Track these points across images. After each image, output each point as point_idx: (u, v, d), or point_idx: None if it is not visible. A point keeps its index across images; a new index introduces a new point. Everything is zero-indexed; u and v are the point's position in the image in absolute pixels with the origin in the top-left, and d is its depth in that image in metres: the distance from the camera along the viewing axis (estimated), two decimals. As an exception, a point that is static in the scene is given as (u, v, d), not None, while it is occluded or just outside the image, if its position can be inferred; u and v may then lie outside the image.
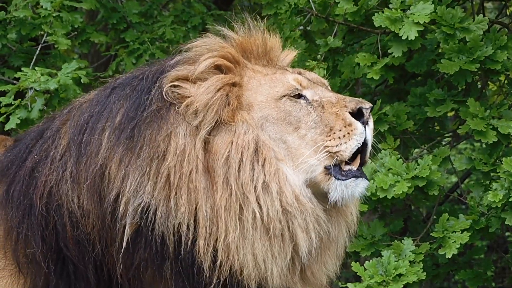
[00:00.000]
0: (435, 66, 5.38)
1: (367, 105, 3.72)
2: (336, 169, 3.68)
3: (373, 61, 5.42)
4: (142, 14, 7.18)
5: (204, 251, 3.54)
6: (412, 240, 5.13)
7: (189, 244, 3.55)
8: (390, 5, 5.22)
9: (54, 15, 6.08)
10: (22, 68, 5.77)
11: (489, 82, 5.99)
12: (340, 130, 3.67)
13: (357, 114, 3.70)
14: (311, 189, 3.69)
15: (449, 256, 5.02)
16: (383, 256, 4.93)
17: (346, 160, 3.68)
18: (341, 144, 3.65)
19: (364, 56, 5.44)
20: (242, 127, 3.64)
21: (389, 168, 5.13)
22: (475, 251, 5.92)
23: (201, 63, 3.68)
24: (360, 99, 3.76)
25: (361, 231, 5.29)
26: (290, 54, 4.11)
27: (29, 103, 5.59)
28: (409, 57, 5.58)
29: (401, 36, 5.11)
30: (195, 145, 3.57)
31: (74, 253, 3.66)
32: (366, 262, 4.92)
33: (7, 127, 5.56)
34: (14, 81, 5.99)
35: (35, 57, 6.14)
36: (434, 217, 5.54)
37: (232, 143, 3.60)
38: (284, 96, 3.73)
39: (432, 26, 5.20)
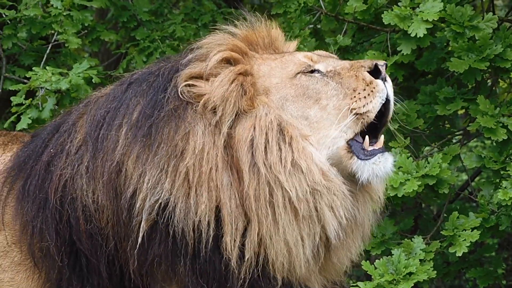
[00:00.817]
0: (444, 65, 5.37)
1: (381, 62, 3.74)
2: (358, 148, 3.66)
3: (383, 59, 5.41)
4: (153, 12, 7.18)
5: (231, 247, 3.55)
6: (422, 238, 5.13)
7: (210, 241, 3.55)
8: (399, 3, 5.22)
9: (64, 13, 6.08)
10: (33, 68, 5.77)
11: (499, 80, 5.97)
12: (364, 90, 3.66)
13: (374, 72, 3.71)
14: (335, 167, 3.67)
15: (459, 254, 5.01)
16: (393, 254, 4.92)
17: (372, 119, 3.66)
18: (367, 103, 3.64)
19: (374, 54, 5.44)
20: (262, 110, 3.65)
21: (399, 167, 5.11)
22: (485, 249, 5.91)
23: (211, 59, 3.71)
24: (372, 59, 3.75)
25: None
26: (293, 43, 4.16)
27: (40, 103, 5.59)
28: (418, 56, 5.58)
29: (410, 33, 5.11)
30: (215, 143, 3.58)
31: (86, 247, 3.68)
32: (377, 260, 4.91)
33: (19, 127, 5.54)
34: (25, 80, 6.00)
35: (45, 55, 6.14)
36: (445, 215, 5.52)
37: (254, 126, 3.60)
38: (298, 73, 3.75)
39: (442, 24, 5.20)
